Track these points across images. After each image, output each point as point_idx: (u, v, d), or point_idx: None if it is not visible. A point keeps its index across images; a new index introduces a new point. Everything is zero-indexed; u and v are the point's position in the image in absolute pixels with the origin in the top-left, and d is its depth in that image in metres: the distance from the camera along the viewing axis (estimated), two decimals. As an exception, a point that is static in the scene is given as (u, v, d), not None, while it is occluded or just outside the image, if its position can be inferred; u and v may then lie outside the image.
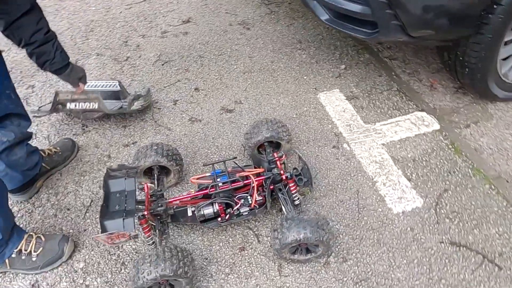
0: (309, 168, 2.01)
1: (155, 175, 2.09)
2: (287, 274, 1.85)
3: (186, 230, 2.06)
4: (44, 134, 2.65)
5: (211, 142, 2.54)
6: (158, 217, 1.90)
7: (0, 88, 1.81)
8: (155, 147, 2.09)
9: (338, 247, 1.94)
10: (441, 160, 2.33)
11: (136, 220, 1.70)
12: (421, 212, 2.08)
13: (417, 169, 2.29)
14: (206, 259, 1.94)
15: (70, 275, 1.91)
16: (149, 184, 1.93)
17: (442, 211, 2.08)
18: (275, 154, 1.97)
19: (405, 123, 2.57)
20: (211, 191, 1.86)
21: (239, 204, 1.88)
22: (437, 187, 2.19)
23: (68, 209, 2.20)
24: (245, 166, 2.06)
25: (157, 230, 1.86)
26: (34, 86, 3.02)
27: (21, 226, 2.08)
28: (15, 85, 1.97)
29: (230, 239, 2.01)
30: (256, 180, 1.91)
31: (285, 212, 1.92)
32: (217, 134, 2.59)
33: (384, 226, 2.03)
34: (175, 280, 1.68)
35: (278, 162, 1.96)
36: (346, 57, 3.15)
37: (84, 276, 1.90)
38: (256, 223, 2.07)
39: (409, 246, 1.93)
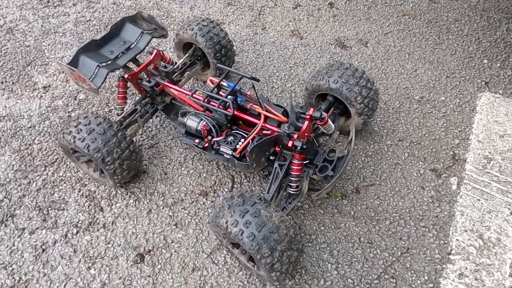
0: (346, 162, 1.21)
1: (189, 54, 1.65)
2: (216, 262, 1.26)
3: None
4: None
5: (289, 66, 1.88)
6: (148, 94, 1.50)
7: None
8: (204, 24, 1.60)
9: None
10: None
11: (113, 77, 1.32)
12: None
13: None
14: (165, 174, 1.50)
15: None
16: (163, 54, 1.50)
17: None
18: (310, 110, 1.21)
19: None
20: (204, 101, 1.32)
21: (221, 138, 1.30)
22: None
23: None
24: (275, 104, 1.38)
25: (138, 105, 1.49)
26: None
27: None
28: None
29: (203, 172, 1.49)
30: (264, 125, 1.26)
31: (264, 190, 1.24)
32: (302, 62, 1.89)
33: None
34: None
35: (307, 122, 1.22)
36: None
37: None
38: (245, 176, 1.46)
39: None
